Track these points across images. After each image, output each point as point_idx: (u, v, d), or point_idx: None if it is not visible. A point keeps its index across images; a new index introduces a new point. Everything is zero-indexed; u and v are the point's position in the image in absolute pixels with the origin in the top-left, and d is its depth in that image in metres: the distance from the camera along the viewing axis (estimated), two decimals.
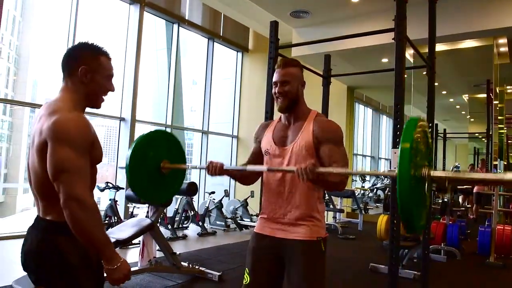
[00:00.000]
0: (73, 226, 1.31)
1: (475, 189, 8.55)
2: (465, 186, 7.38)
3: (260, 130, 2.02)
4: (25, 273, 1.48)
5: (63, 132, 1.33)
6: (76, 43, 1.56)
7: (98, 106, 1.58)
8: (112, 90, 1.58)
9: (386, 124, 13.38)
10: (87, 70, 1.47)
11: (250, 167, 1.85)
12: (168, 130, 8.35)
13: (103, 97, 1.57)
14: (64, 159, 1.31)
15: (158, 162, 2.02)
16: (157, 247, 4.13)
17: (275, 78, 1.87)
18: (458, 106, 10.83)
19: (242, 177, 1.99)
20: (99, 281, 1.47)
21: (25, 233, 1.50)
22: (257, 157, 1.98)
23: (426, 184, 1.44)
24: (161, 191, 2.14)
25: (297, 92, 1.86)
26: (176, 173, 2.15)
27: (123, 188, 6.19)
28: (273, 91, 1.88)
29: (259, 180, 2.04)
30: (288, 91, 1.83)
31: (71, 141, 1.33)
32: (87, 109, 1.56)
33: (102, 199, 7.44)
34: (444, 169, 9.89)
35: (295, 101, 1.86)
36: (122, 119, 7.09)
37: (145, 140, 2.04)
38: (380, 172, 1.39)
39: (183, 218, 6.89)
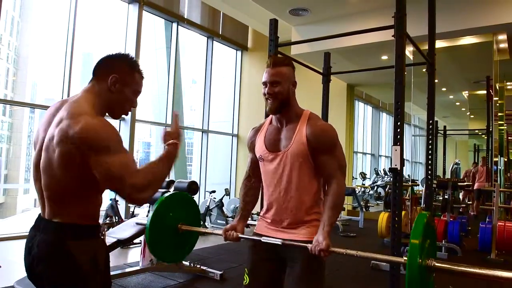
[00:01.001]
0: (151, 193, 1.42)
1: (475, 186, 8.56)
2: (465, 183, 7.39)
3: (251, 136, 1.96)
4: (26, 274, 1.47)
5: (100, 139, 1.32)
6: (114, 52, 1.58)
7: (117, 117, 1.58)
8: (135, 106, 1.60)
9: (386, 121, 13.37)
10: (117, 80, 1.48)
11: (265, 239, 1.81)
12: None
13: (127, 110, 1.57)
14: (112, 165, 1.32)
15: (176, 223, 2.16)
16: None
17: (264, 78, 1.79)
18: (458, 103, 10.82)
19: (251, 202, 2.01)
20: (106, 286, 1.47)
21: (26, 233, 1.48)
22: (255, 167, 1.95)
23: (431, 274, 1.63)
24: (178, 250, 2.26)
25: (288, 93, 1.78)
26: (190, 231, 2.28)
27: None
28: (262, 91, 1.81)
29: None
30: (278, 92, 1.76)
31: (110, 146, 1.33)
32: None
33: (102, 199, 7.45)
34: (444, 166, 9.89)
35: (286, 102, 1.78)
36: (122, 119, 7.08)
37: (163, 206, 2.17)
38: (388, 258, 1.45)
39: None
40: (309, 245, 1.65)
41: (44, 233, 1.41)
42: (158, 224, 2.08)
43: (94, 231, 1.46)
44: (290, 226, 1.79)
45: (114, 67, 1.50)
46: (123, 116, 1.59)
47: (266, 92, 1.78)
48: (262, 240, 1.80)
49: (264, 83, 1.80)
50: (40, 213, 1.48)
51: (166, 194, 2.23)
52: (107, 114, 1.53)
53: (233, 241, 1.89)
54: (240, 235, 1.87)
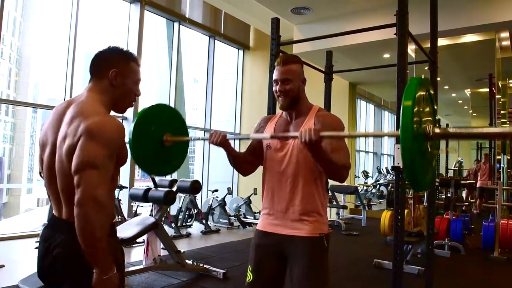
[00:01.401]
0: (81, 226, 1.26)
1: (478, 184, 8.54)
2: (468, 181, 7.38)
3: (261, 123, 2.01)
4: (30, 273, 1.47)
5: (99, 132, 1.32)
6: (106, 47, 1.56)
7: (123, 111, 1.59)
8: (139, 95, 1.60)
9: (389, 119, 13.35)
10: (118, 73, 1.48)
11: (253, 135, 1.86)
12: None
13: (132, 102, 1.58)
14: (94, 154, 1.29)
15: (160, 135, 2.04)
16: (162, 246, 4.14)
17: (275, 75, 1.84)
18: (460, 101, 10.81)
19: (239, 160, 1.95)
20: (122, 282, 1.46)
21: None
22: (253, 149, 1.97)
23: (430, 142, 1.44)
24: (164, 164, 2.14)
25: (299, 90, 1.84)
26: (179, 145, 2.17)
27: (126, 187, 6.21)
28: (274, 89, 1.86)
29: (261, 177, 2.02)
30: (289, 90, 1.81)
31: (105, 141, 1.32)
32: None
33: None
34: (447, 165, 9.87)
35: (296, 98, 1.84)
36: (124, 118, 7.08)
37: (148, 114, 2.05)
38: (384, 133, 1.39)
39: (186, 216, 6.90)
40: (296, 134, 1.61)
41: (65, 234, 1.38)
42: (141, 135, 1.96)
43: (113, 229, 1.46)
44: (293, 219, 1.79)
45: (112, 62, 1.50)
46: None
47: (277, 89, 1.83)
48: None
49: (275, 81, 1.84)
50: (53, 213, 1.47)
51: (148, 106, 2.10)
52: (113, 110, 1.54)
53: (220, 141, 1.84)
54: (228, 136, 1.86)
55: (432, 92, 1.53)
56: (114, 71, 1.48)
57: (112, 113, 1.52)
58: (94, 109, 1.39)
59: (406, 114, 1.29)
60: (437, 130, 1.36)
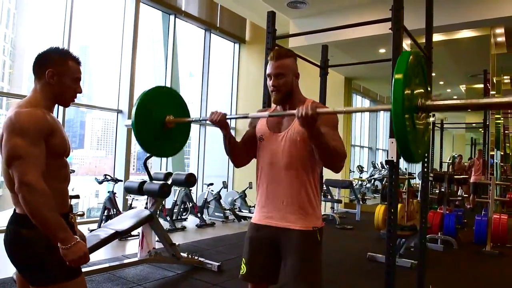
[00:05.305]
0: (26, 210, 1.39)
1: (472, 179, 8.61)
2: (462, 176, 7.43)
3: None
4: None
5: (15, 124, 1.43)
6: (46, 48, 1.65)
7: (66, 105, 1.69)
8: (80, 92, 1.68)
9: (384, 115, 13.38)
10: (53, 73, 1.56)
11: (252, 114, 1.91)
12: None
13: (72, 97, 1.67)
14: (15, 146, 1.40)
15: (162, 117, 2.09)
16: (156, 238, 4.15)
17: (269, 70, 1.86)
18: (455, 97, 10.84)
19: (235, 146, 1.96)
20: (72, 271, 1.51)
21: None
22: (247, 139, 1.99)
23: (423, 115, 1.45)
24: (167, 145, 2.20)
25: (292, 84, 1.86)
26: (181, 127, 2.23)
27: (121, 181, 6.20)
28: (268, 83, 1.87)
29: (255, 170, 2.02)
30: (283, 84, 1.83)
31: (22, 131, 1.42)
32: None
33: (100, 191, 7.45)
34: (441, 161, 9.93)
35: (290, 93, 1.85)
36: (119, 112, 7.07)
37: (149, 96, 2.09)
38: (378, 107, 1.38)
39: (181, 209, 6.92)
40: (294, 111, 1.60)
41: (9, 222, 1.54)
42: (143, 117, 2.01)
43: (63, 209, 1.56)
44: (287, 213, 1.80)
45: (47, 61, 1.58)
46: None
47: (271, 84, 1.85)
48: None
49: (269, 76, 1.86)
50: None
51: (148, 88, 2.13)
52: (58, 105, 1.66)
53: (220, 119, 1.88)
54: (228, 116, 1.90)
55: (424, 66, 1.52)
56: (50, 70, 1.56)
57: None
58: (19, 105, 1.50)
59: (397, 85, 1.29)
60: (428, 102, 1.35)
